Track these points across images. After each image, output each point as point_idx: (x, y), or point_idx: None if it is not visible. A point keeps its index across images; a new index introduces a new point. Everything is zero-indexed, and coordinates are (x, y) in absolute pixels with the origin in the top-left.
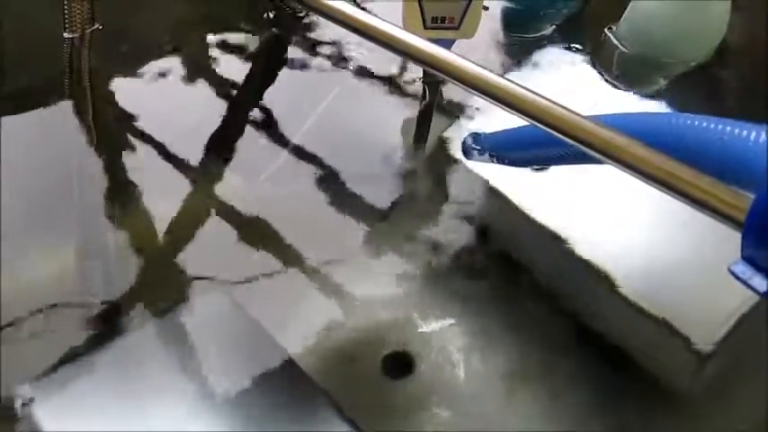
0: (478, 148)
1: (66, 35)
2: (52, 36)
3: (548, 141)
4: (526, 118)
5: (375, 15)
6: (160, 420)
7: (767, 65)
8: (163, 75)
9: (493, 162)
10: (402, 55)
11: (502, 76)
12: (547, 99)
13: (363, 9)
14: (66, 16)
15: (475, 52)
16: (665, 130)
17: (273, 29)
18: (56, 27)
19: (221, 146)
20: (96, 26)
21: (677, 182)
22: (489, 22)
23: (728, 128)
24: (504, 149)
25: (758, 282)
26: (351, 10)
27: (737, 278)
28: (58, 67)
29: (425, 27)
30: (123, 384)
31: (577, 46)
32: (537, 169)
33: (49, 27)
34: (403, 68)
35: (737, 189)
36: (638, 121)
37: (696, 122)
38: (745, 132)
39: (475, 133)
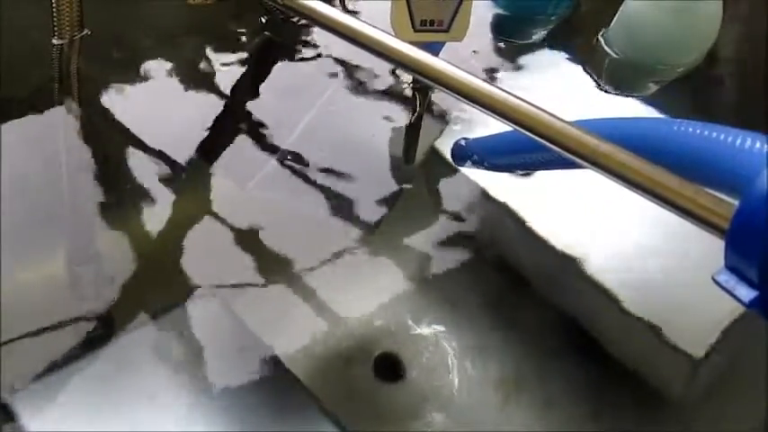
0: (466, 153)
1: (54, 41)
2: (41, 42)
3: (534, 147)
4: (512, 124)
5: (362, 19)
6: (151, 425)
7: (760, 69)
8: (154, 80)
9: (479, 167)
10: (388, 60)
11: (489, 82)
12: (532, 105)
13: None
14: (55, 22)
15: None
16: (653, 135)
17: (266, 33)
18: (44, 33)
19: (213, 151)
20: (86, 32)
21: (661, 189)
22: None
23: (715, 134)
24: (490, 154)
25: (742, 291)
26: (336, 14)
27: (721, 287)
28: (46, 73)
29: (414, 30)
30: (114, 389)
31: (568, 51)
32: (523, 174)
33: (38, 33)
34: (395, 74)
35: (723, 196)
36: (625, 126)
37: (683, 128)
38: (731, 138)
39: (463, 138)
